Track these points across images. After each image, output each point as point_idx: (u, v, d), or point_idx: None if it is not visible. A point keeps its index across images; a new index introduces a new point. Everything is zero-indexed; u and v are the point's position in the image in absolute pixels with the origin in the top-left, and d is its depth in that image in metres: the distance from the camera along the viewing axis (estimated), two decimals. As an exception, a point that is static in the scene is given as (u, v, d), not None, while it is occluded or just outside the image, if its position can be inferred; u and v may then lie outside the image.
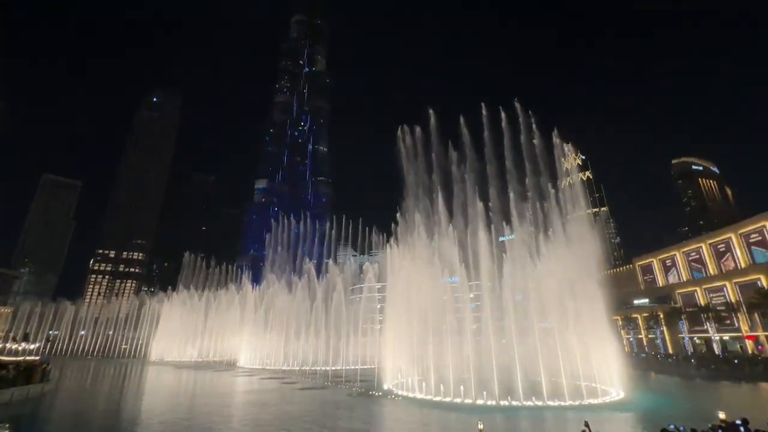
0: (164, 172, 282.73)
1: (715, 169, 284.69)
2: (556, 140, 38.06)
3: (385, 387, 35.33)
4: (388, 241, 45.32)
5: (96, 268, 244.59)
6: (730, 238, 69.10)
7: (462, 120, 38.91)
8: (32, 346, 59.77)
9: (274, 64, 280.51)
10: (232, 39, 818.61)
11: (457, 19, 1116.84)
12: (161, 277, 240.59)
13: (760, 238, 63.69)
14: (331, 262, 70.76)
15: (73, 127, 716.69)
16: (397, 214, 42.48)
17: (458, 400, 28.71)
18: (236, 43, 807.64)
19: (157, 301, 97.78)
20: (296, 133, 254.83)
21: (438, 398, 29.67)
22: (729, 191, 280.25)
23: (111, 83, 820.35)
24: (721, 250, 70.96)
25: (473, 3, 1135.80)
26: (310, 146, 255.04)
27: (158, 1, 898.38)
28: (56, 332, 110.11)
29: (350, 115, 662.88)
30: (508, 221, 35.46)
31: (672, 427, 12.43)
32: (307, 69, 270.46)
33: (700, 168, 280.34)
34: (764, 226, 62.74)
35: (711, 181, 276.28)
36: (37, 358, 53.44)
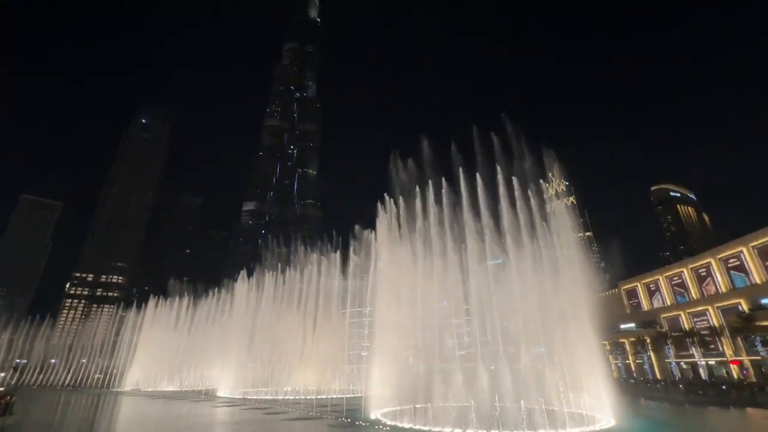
0: (150, 193, 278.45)
1: (692, 196, 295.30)
2: (545, 158, 39.19)
3: (373, 416, 34.12)
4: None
5: (72, 292, 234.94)
6: (709, 262, 70.90)
7: (453, 147, 39.77)
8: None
9: (266, 89, 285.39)
10: (224, 63, 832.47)
11: (444, 46, 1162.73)
12: (141, 301, 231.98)
13: (738, 262, 65.52)
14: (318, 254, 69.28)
15: (58, 147, 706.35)
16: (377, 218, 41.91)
17: (448, 430, 27.88)
18: (228, 67, 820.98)
19: (134, 315, 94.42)
20: (286, 156, 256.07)
21: (427, 428, 28.76)
22: (706, 217, 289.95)
23: (99, 103, 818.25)
24: (702, 274, 72.59)
25: (460, 30, 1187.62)
26: (299, 169, 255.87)
27: (149, 24, 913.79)
28: (24, 361, 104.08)
29: (340, 139, 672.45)
30: (497, 245, 35.76)
31: None
32: (298, 94, 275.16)
33: (678, 194, 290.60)
34: (741, 251, 64.70)
35: (689, 207, 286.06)
36: (1, 389, 50.22)
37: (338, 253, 66.53)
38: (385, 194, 41.53)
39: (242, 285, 74.52)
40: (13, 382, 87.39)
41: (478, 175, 36.81)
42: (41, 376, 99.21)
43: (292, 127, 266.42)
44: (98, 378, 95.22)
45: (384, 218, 41.32)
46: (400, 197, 40.66)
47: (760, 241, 62.03)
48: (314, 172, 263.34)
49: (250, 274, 77.44)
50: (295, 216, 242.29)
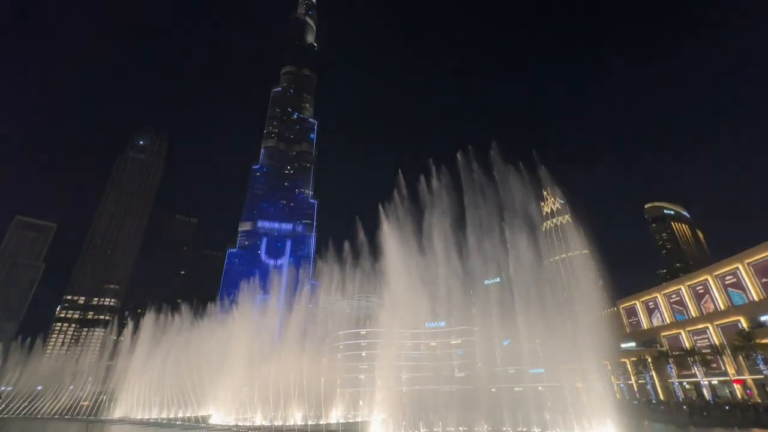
0: (145, 213, 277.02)
1: (686, 213, 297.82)
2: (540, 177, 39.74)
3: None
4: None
5: (62, 315, 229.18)
6: (706, 279, 70.84)
7: (466, 155, 40.11)
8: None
9: (263, 110, 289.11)
10: (223, 84, 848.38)
11: (438, 68, 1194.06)
12: (133, 325, 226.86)
13: (735, 279, 65.51)
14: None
15: (53, 167, 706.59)
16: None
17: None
18: (225, 88, 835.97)
19: (125, 339, 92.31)
20: (282, 177, 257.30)
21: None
22: (701, 234, 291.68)
23: (96, 123, 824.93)
24: (699, 291, 72.39)
25: (452, 55, 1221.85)
26: (295, 190, 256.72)
27: (148, 44, 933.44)
28: (9, 388, 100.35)
29: (337, 159, 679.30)
30: (493, 266, 35.70)
31: None
32: (295, 115, 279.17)
33: (672, 212, 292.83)
34: (737, 268, 64.78)
35: (683, 225, 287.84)
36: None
37: (335, 274, 65.88)
38: (381, 211, 41.52)
39: (237, 310, 73.29)
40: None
41: (477, 195, 37.16)
42: (27, 405, 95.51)
43: (288, 148, 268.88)
44: (86, 406, 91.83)
45: (391, 241, 41.11)
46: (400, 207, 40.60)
47: (756, 258, 62.23)
48: (310, 192, 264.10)
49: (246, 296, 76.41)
50: (291, 236, 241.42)
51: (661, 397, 70.44)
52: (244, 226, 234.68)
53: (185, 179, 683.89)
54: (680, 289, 76.59)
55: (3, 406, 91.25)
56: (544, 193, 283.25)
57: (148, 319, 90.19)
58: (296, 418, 54.76)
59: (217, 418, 62.71)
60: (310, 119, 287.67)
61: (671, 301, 78.69)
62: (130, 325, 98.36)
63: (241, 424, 56.83)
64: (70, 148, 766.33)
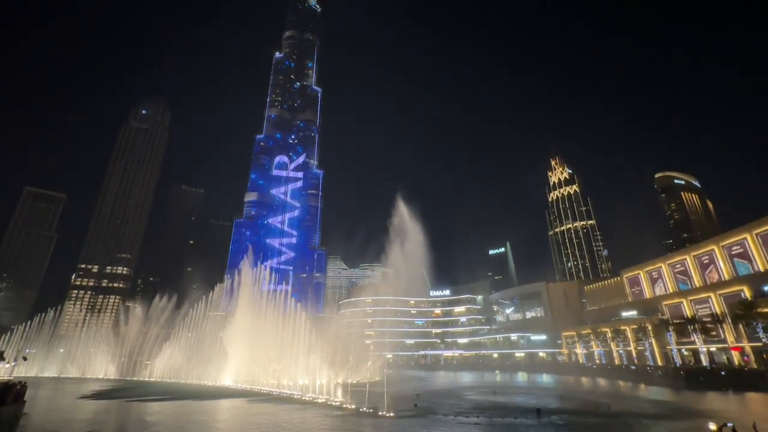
0: (151, 184, 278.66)
1: (697, 183, 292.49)
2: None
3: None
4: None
5: (78, 282, 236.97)
6: (713, 250, 70.70)
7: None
8: (7, 365, 57.43)
9: (266, 77, 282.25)
10: (224, 52, 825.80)
11: (443, 38, 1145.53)
12: (145, 291, 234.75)
13: (741, 250, 65.29)
14: None
15: (61, 138, 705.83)
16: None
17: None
18: (228, 56, 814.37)
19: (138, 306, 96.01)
20: (286, 147, 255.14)
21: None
22: (710, 205, 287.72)
23: (99, 94, 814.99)
24: (704, 262, 72.46)
25: (461, 20, 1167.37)
26: (300, 159, 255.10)
27: (150, 13, 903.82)
28: (34, 351, 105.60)
29: (340, 128, 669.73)
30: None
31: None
32: (297, 83, 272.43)
33: (682, 182, 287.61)
34: (745, 239, 64.40)
35: (693, 195, 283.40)
36: (11, 378, 51.17)
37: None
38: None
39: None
40: (22, 373, 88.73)
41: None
42: (50, 366, 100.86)
43: (292, 116, 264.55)
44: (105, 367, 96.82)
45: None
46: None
47: (765, 228, 61.66)
48: (315, 162, 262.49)
49: (253, 265, 77.87)
50: (296, 206, 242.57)
51: (659, 363, 72.29)
52: (250, 197, 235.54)
53: (191, 150, 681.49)
54: (685, 259, 76.67)
55: (27, 367, 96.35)
56: (552, 162, 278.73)
57: (161, 283, 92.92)
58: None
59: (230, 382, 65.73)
60: (314, 87, 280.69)
61: (675, 271, 79.01)
62: (142, 292, 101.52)
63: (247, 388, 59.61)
64: (77, 117, 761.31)
